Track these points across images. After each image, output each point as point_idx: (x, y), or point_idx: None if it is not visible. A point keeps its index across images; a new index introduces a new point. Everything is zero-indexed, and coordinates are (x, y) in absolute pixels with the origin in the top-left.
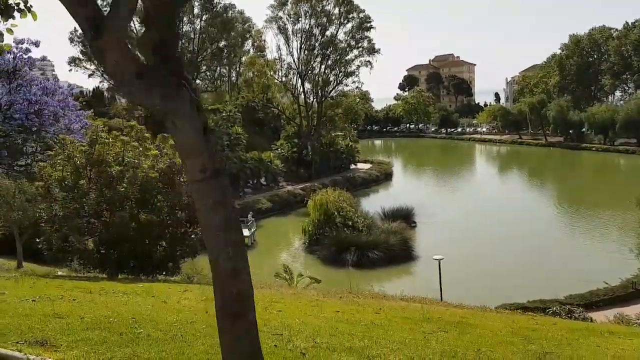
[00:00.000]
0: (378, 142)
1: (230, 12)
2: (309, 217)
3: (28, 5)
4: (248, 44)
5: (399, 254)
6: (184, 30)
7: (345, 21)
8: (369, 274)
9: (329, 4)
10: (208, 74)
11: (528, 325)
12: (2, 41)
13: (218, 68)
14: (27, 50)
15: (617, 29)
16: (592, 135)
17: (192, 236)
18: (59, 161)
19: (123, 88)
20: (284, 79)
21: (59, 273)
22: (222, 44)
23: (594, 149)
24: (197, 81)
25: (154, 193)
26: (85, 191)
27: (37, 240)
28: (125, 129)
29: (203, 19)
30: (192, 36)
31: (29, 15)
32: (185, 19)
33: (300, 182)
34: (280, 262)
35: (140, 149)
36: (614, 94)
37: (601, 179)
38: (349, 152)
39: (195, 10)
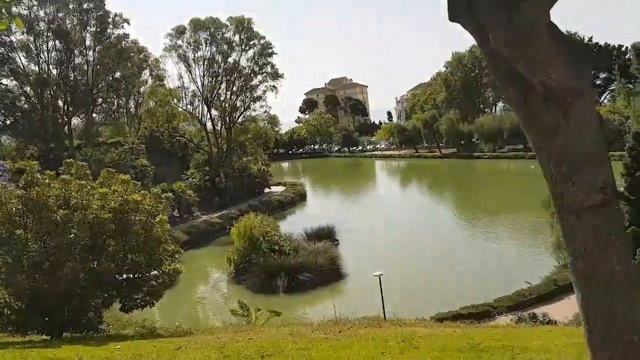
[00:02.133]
0: (285, 164)
1: (124, 42)
2: (232, 245)
3: (12, 12)
4: (145, 74)
5: (329, 273)
6: (75, 62)
7: (247, 48)
8: (302, 297)
9: (228, 31)
10: (104, 106)
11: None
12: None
13: (115, 100)
14: None
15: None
16: (482, 144)
17: (153, 281)
18: None
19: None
20: (189, 106)
21: None
22: (117, 74)
23: (485, 157)
24: (94, 114)
25: (103, 237)
26: (23, 242)
27: None
28: (64, 167)
29: (96, 50)
30: (85, 68)
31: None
32: (76, 51)
33: (215, 210)
34: (206, 296)
35: (89, 187)
36: (497, 105)
37: (497, 185)
38: (262, 176)
39: (87, 42)
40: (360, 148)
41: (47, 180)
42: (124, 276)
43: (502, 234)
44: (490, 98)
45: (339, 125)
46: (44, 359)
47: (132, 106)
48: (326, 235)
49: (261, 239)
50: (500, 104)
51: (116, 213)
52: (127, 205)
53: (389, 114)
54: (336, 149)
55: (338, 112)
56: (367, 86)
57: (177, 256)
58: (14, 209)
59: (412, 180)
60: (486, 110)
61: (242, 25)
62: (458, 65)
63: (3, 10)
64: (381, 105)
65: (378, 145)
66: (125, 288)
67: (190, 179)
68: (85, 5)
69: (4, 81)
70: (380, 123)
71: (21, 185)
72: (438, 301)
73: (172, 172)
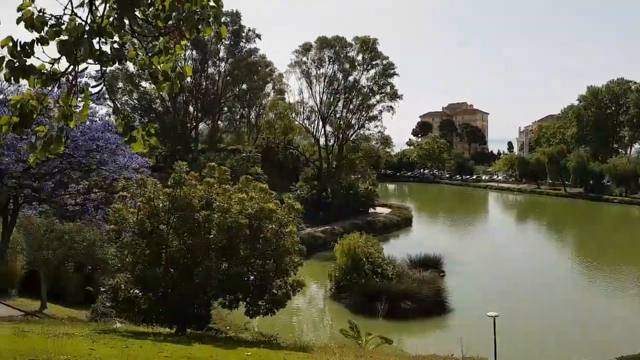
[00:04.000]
0: (391, 186)
1: (254, 56)
2: (334, 261)
3: (221, 20)
4: (269, 87)
5: (432, 305)
6: (208, 72)
7: (369, 67)
8: (402, 326)
9: (353, 50)
10: (229, 114)
11: None
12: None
13: (239, 109)
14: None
15: (635, 82)
16: (613, 187)
17: (275, 290)
18: (139, 204)
19: None
20: (306, 121)
21: (118, 325)
22: (244, 86)
23: (615, 200)
24: (219, 122)
25: (237, 241)
26: (165, 237)
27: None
28: (207, 170)
29: (228, 62)
30: (217, 78)
31: None
32: (210, 61)
33: (319, 224)
34: (302, 308)
35: (230, 192)
36: (632, 146)
37: (625, 233)
38: (368, 195)
39: (221, 54)
40: (474, 177)
41: (193, 182)
42: (251, 279)
43: (628, 287)
44: (626, 138)
45: (453, 151)
46: (180, 357)
47: (253, 116)
48: (432, 264)
49: (364, 259)
50: (636, 145)
51: (252, 219)
52: (263, 213)
53: (510, 144)
54: (447, 175)
55: (453, 138)
56: (488, 113)
57: (299, 268)
58: (161, 204)
59: (530, 217)
60: (620, 150)
61: (367, 45)
62: (593, 100)
63: (212, 17)
64: (500, 135)
65: (495, 176)
66: (252, 293)
67: (299, 191)
68: (223, 19)
69: (144, 84)
70: (499, 153)
71: (170, 184)
72: (549, 351)
73: (282, 182)
